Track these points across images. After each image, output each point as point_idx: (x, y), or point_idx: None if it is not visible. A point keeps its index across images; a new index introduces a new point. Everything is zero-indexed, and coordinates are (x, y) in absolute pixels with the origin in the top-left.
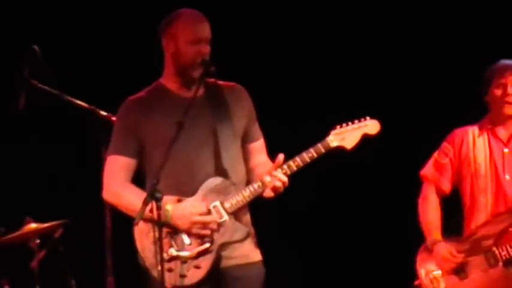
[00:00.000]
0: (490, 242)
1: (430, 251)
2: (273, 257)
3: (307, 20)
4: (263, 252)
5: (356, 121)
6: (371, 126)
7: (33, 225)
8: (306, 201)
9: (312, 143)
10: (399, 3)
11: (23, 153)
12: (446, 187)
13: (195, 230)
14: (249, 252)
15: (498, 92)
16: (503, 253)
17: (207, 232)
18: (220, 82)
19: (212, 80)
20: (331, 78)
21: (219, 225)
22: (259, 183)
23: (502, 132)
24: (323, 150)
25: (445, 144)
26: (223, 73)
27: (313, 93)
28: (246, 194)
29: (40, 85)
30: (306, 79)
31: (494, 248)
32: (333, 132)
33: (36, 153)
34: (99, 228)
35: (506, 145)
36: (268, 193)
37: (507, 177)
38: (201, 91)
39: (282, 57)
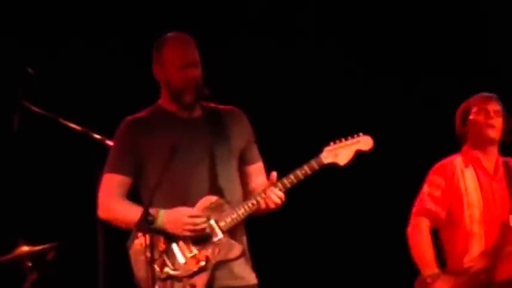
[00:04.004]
0: (487, 275)
1: (427, 284)
2: (267, 281)
3: (299, 43)
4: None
5: (349, 137)
6: (364, 142)
7: (25, 248)
8: (300, 225)
9: (306, 159)
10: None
11: (16, 175)
12: (443, 216)
13: (186, 232)
14: (244, 275)
15: (480, 117)
16: None
17: (199, 232)
18: (220, 106)
19: (212, 104)
20: (326, 97)
21: (215, 243)
22: (253, 201)
23: (487, 163)
24: (316, 167)
25: (434, 177)
26: (218, 95)
27: (308, 111)
28: (240, 212)
29: (34, 107)
30: (301, 98)
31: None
32: (326, 149)
33: (30, 175)
34: (92, 250)
35: (493, 177)
36: (268, 205)
37: (498, 209)
38: (200, 113)
39: (276, 76)
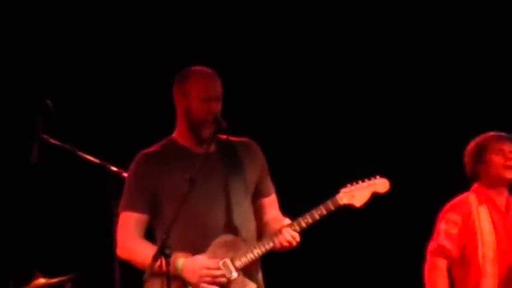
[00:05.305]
0: None
1: None
2: None
3: (318, 77)
4: None
5: (366, 180)
6: (380, 184)
7: (42, 280)
8: (316, 261)
9: (322, 200)
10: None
11: (33, 206)
12: (456, 255)
13: (203, 285)
14: None
15: (497, 157)
16: None
17: (217, 284)
18: (233, 138)
19: (224, 136)
20: (343, 137)
21: (229, 281)
22: (269, 241)
23: (499, 201)
24: (332, 208)
25: (451, 214)
26: (235, 129)
27: (326, 151)
28: (255, 251)
29: (51, 139)
30: (319, 137)
31: None
32: (342, 190)
33: (47, 207)
34: (108, 282)
35: (505, 215)
36: (283, 244)
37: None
38: (214, 147)
39: (294, 113)
